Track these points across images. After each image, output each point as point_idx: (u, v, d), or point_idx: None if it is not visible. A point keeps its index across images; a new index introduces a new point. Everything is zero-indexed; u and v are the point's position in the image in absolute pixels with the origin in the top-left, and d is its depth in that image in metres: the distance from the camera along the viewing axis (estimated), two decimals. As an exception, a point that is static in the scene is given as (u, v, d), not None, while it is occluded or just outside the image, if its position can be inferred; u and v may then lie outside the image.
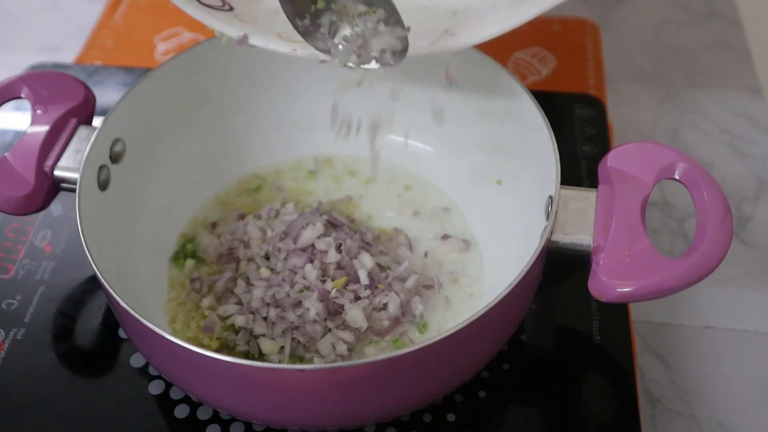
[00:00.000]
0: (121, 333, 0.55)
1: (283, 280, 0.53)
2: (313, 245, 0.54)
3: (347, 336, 0.51)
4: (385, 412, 0.48)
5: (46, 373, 0.53)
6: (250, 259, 0.56)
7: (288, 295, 0.52)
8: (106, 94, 0.69)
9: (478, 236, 0.58)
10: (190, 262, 0.57)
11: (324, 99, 0.63)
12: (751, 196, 0.66)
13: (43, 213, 0.61)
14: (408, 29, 0.49)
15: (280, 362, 0.51)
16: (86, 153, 0.52)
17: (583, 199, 0.49)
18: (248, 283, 0.55)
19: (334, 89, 0.62)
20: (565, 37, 0.77)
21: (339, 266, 0.53)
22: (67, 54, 0.78)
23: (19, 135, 0.59)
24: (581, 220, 0.49)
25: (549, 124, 0.51)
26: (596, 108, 0.67)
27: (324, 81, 0.62)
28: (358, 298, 0.53)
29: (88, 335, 0.55)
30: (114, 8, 0.81)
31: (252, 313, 0.53)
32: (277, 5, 0.54)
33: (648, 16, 0.81)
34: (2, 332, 0.55)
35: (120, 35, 0.79)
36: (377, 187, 0.62)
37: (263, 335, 0.52)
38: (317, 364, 0.49)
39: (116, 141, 0.55)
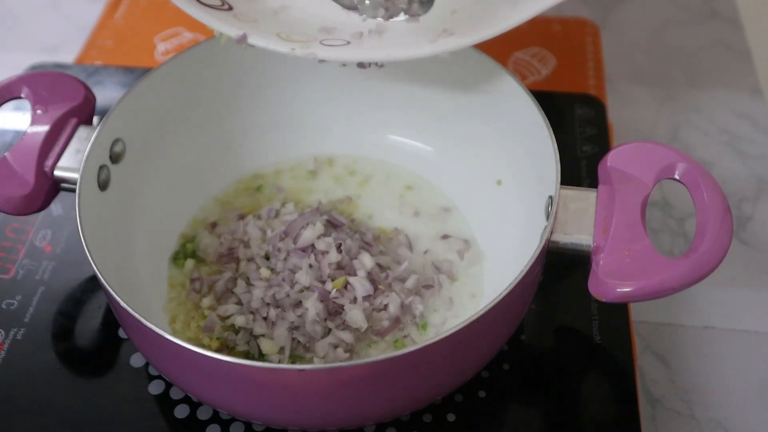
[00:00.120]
0: (121, 333, 0.55)
1: (283, 280, 0.53)
2: (313, 245, 0.54)
3: (347, 336, 0.51)
4: (385, 412, 0.48)
5: (46, 373, 0.53)
6: (250, 259, 0.56)
7: (288, 295, 0.52)
8: (106, 94, 0.69)
9: (478, 236, 0.58)
10: (190, 262, 0.57)
11: (324, 98, 0.63)
12: (751, 196, 0.66)
13: (43, 213, 0.61)
14: None
15: (280, 362, 0.51)
16: (86, 153, 0.52)
17: (583, 199, 0.49)
18: (248, 283, 0.55)
19: (335, 90, 0.63)
20: (565, 37, 0.77)
21: (339, 266, 0.53)
22: (67, 54, 0.78)
23: (19, 135, 0.59)
24: (581, 220, 0.49)
25: (549, 124, 0.51)
26: (596, 108, 0.67)
27: (324, 80, 0.62)
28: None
29: (88, 335, 0.55)
30: (114, 8, 0.81)
31: (252, 313, 0.53)
32: (277, 5, 0.55)
33: (648, 16, 0.81)
34: (2, 332, 0.55)
35: (120, 35, 0.79)
36: (377, 187, 0.62)
37: (263, 335, 0.52)
38: (317, 364, 0.49)
39: (116, 141, 0.55)
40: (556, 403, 0.51)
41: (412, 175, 0.62)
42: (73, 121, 0.55)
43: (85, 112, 0.56)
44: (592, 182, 0.58)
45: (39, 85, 0.57)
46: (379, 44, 0.52)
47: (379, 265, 0.55)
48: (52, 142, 0.54)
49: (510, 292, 0.44)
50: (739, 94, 0.73)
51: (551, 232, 0.48)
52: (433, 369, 0.45)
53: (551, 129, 0.51)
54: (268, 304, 0.53)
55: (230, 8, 0.53)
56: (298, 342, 0.52)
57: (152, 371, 0.53)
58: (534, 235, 0.49)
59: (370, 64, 0.51)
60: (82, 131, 0.55)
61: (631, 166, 0.49)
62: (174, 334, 0.51)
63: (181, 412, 0.51)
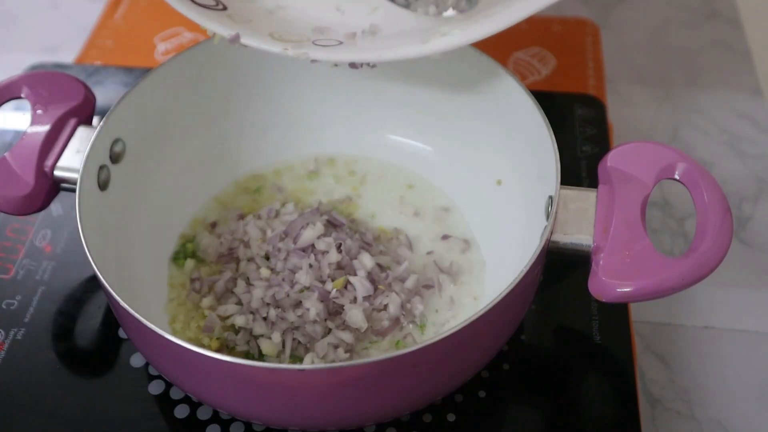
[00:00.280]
0: (121, 333, 0.55)
1: (283, 280, 0.53)
2: (313, 245, 0.54)
3: (347, 336, 0.51)
4: (385, 412, 0.48)
5: (46, 373, 0.53)
6: (250, 259, 0.56)
7: (288, 295, 0.52)
8: (106, 94, 0.69)
9: (478, 236, 0.58)
10: (190, 262, 0.57)
11: (324, 98, 0.63)
12: (751, 196, 0.66)
13: (43, 213, 0.61)
14: None
15: (280, 362, 0.51)
16: (86, 153, 0.52)
17: (583, 199, 0.49)
18: (248, 283, 0.55)
19: (335, 89, 0.63)
20: (565, 37, 0.77)
21: (339, 266, 0.53)
22: (67, 54, 0.78)
23: (19, 135, 0.59)
24: (581, 220, 0.49)
25: (549, 124, 0.51)
26: (596, 108, 0.67)
27: (324, 80, 0.62)
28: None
29: (88, 335, 0.55)
30: (114, 8, 0.81)
31: (252, 313, 0.53)
32: (272, 5, 0.55)
33: (648, 16, 0.81)
34: (2, 332, 0.55)
35: (120, 35, 0.79)
36: (377, 187, 0.62)
37: (263, 335, 0.52)
38: (317, 364, 0.49)
39: (116, 141, 0.55)
40: (556, 403, 0.51)
41: (412, 175, 0.62)
42: (73, 121, 0.55)
43: (85, 112, 0.56)
44: (592, 182, 0.58)
45: (39, 85, 0.57)
46: (372, 45, 0.52)
47: (379, 265, 0.55)
48: (52, 142, 0.54)
49: (510, 292, 0.44)
50: (739, 94, 0.73)
51: (551, 232, 0.48)
52: (433, 369, 0.45)
53: (551, 129, 0.51)
54: (268, 304, 0.53)
55: (224, 8, 0.53)
56: (298, 342, 0.52)
57: (152, 371, 0.53)
58: (534, 235, 0.49)
59: (362, 65, 0.51)
60: (82, 131, 0.55)
61: (631, 166, 0.49)
62: (174, 334, 0.51)
63: (181, 412, 0.51)
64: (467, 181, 0.60)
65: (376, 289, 0.53)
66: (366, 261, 0.54)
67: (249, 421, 0.50)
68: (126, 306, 0.44)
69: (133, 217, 0.57)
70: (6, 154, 0.54)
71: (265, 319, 0.53)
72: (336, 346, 0.51)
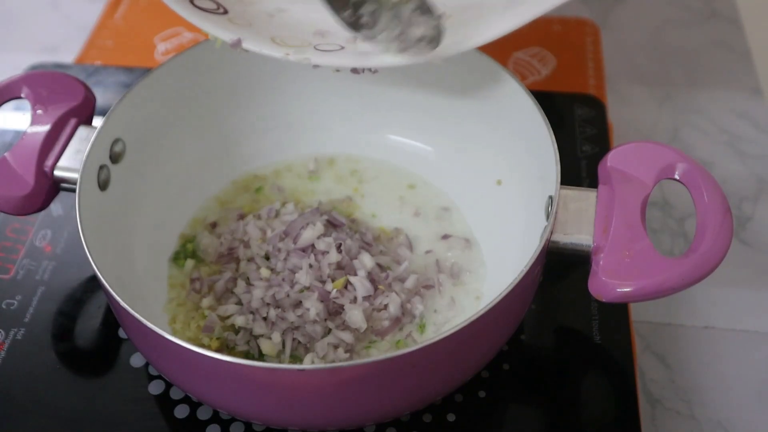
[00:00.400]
0: (121, 333, 0.55)
1: (283, 280, 0.53)
2: (313, 245, 0.54)
3: (347, 336, 0.51)
4: (385, 412, 0.48)
5: (46, 373, 0.53)
6: (250, 259, 0.56)
7: (288, 296, 0.52)
8: (106, 94, 0.69)
9: (478, 236, 0.58)
10: (190, 262, 0.57)
11: (324, 98, 0.63)
12: (751, 196, 0.66)
13: (43, 213, 0.61)
14: (440, 17, 0.49)
15: (280, 362, 0.51)
16: (86, 153, 0.52)
17: (583, 199, 0.49)
18: (248, 283, 0.55)
19: (335, 90, 0.63)
20: (565, 37, 0.77)
21: (339, 266, 0.53)
22: (67, 54, 0.78)
23: (19, 135, 0.59)
24: (581, 220, 0.49)
25: (549, 124, 0.51)
26: (596, 108, 0.67)
27: (324, 81, 0.62)
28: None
29: (88, 335, 0.55)
30: (114, 8, 0.81)
31: (252, 313, 0.53)
32: (272, 8, 0.55)
33: (648, 16, 0.81)
34: (2, 332, 0.55)
35: (120, 35, 0.79)
36: (377, 187, 0.62)
37: (263, 335, 0.52)
38: (317, 364, 0.49)
39: (116, 141, 0.55)
40: (556, 403, 0.51)
41: (413, 175, 0.62)
42: (73, 121, 0.55)
43: (85, 112, 0.56)
44: (592, 182, 0.58)
45: (39, 85, 0.57)
46: (372, 50, 0.52)
47: (379, 265, 0.55)
48: (52, 142, 0.54)
49: (510, 292, 0.44)
50: (739, 94, 0.73)
51: (551, 232, 0.48)
52: (433, 369, 0.45)
53: (551, 129, 0.51)
54: (268, 304, 0.53)
55: (225, 12, 0.53)
56: (298, 342, 0.52)
57: (152, 371, 0.53)
58: (534, 235, 0.49)
59: (363, 70, 0.51)
60: (82, 131, 0.55)
61: (631, 166, 0.49)
62: (174, 334, 0.51)
63: (181, 412, 0.51)
64: (467, 181, 0.60)
65: (376, 289, 0.53)
66: (366, 261, 0.54)
67: (249, 421, 0.50)
68: (126, 306, 0.44)
69: (133, 217, 0.57)
70: (6, 154, 0.54)
71: (265, 319, 0.53)
72: (336, 346, 0.51)
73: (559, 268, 0.56)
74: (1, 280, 0.58)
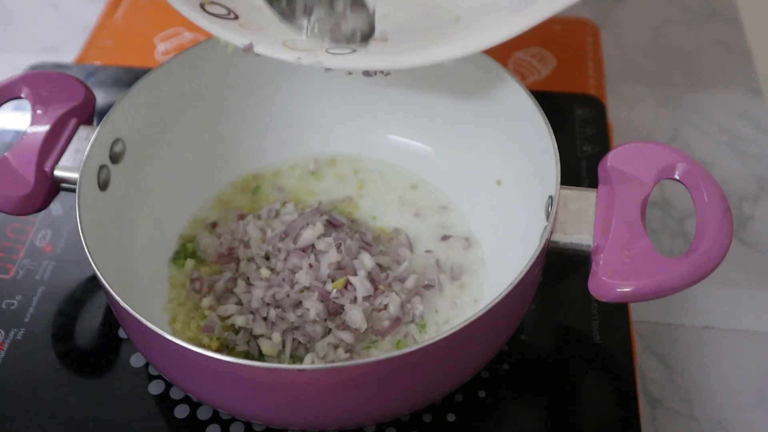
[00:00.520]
0: (121, 333, 0.55)
1: (283, 280, 0.53)
2: (313, 245, 0.54)
3: (347, 336, 0.51)
4: (385, 412, 0.48)
5: (46, 373, 0.53)
6: (250, 259, 0.56)
7: (288, 296, 0.52)
8: (106, 94, 0.69)
9: (478, 236, 0.58)
10: (190, 262, 0.57)
11: (324, 99, 0.63)
12: (751, 196, 0.66)
13: (43, 213, 0.61)
14: (373, 12, 0.49)
15: (280, 362, 0.51)
16: (86, 153, 0.52)
17: (583, 199, 0.49)
18: (248, 283, 0.55)
19: (335, 90, 0.63)
20: (565, 37, 0.77)
21: (339, 266, 0.53)
22: (67, 54, 0.78)
23: (19, 135, 0.59)
24: (581, 220, 0.49)
25: (549, 124, 0.51)
26: (596, 108, 0.67)
27: (324, 81, 0.62)
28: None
29: (88, 335, 0.55)
30: (114, 8, 0.81)
31: (252, 313, 0.53)
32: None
33: (648, 16, 0.81)
34: (2, 332, 0.55)
35: (120, 35, 0.79)
36: (377, 187, 0.62)
37: (263, 335, 0.52)
38: (317, 364, 0.49)
39: (116, 141, 0.55)
40: (556, 403, 0.51)
41: (413, 175, 0.62)
42: (73, 121, 0.55)
43: (85, 112, 0.56)
44: (592, 182, 0.58)
45: (39, 85, 0.57)
46: (384, 52, 0.52)
47: (379, 265, 0.55)
48: (52, 142, 0.54)
49: (510, 292, 0.44)
50: (739, 94, 0.73)
51: (551, 232, 0.48)
52: (433, 369, 0.45)
53: (551, 129, 0.51)
54: (268, 304, 0.53)
55: (236, 17, 0.53)
56: (298, 342, 0.52)
57: (152, 371, 0.53)
58: (534, 235, 0.49)
59: (375, 72, 0.51)
60: (82, 131, 0.55)
61: (631, 166, 0.49)
62: (174, 334, 0.51)
63: (181, 412, 0.51)
64: (467, 181, 0.60)
65: (376, 289, 0.53)
66: (366, 261, 0.54)
67: (249, 421, 0.50)
68: (126, 306, 0.44)
69: (133, 217, 0.57)
70: (6, 154, 0.54)
71: (265, 319, 0.53)
72: (336, 346, 0.51)
73: (559, 268, 0.56)
74: (1, 280, 0.58)
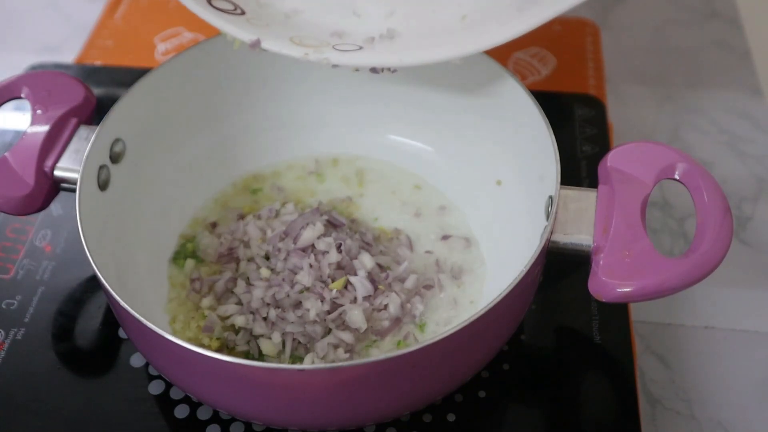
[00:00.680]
0: (121, 333, 0.55)
1: (283, 280, 0.53)
2: (313, 245, 0.54)
3: (347, 337, 0.51)
4: (385, 412, 0.48)
5: (46, 373, 0.53)
6: (250, 259, 0.56)
7: (288, 296, 0.52)
8: (106, 94, 0.69)
9: (478, 236, 0.58)
10: (190, 262, 0.57)
11: (324, 99, 0.63)
12: (751, 196, 0.66)
13: (43, 213, 0.61)
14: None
15: (280, 362, 0.51)
16: (86, 153, 0.52)
17: (583, 199, 0.49)
18: (248, 283, 0.55)
19: (335, 90, 0.63)
20: (565, 37, 0.77)
21: (339, 266, 0.53)
22: (67, 54, 0.78)
23: (19, 135, 0.59)
24: (581, 220, 0.49)
25: (549, 124, 0.51)
26: (596, 108, 0.67)
27: (323, 81, 0.62)
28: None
29: (88, 335, 0.55)
30: (114, 8, 0.81)
31: (252, 313, 0.53)
32: (288, 9, 0.55)
33: (648, 16, 0.81)
34: (2, 332, 0.55)
35: (120, 35, 0.78)
36: (377, 187, 0.62)
37: (263, 335, 0.52)
38: (317, 364, 0.49)
39: (116, 141, 0.55)
40: (556, 403, 0.51)
41: (413, 175, 0.62)
42: (73, 121, 0.55)
43: (85, 112, 0.56)
44: (592, 182, 0.58)
45: (39, 85, 0.57)
46: (391, 49, 0.52)
47: (379, 265, 0.55)
48: (52, 142, 0.54)
49: (510, 292, 0.44)
50: (739, 94, 0.73)
51: (551, 232, 0.48)
52: (433, 369, 0.45)
53: (551, 129, 0.51)
54: (268, 305, 0.53)
55: (243, 13, 0.53)
56: (298, 342, 0.52)
57: (152, 371, 0.53)
58: (534, 235, 0.49)
59: (383, 69, 0.51)
60: (82, 131, 0.55)
61: (631, 166, 0.49)
62: (174, 334, 0.51)
63: (181, 412, 0.51)
64: (467, 181, 0.60)
65: (376, 289, 0.53)
66: (366, 261, 0.54)
67: (249, 421, 0.50)
68: (126, 306, 0.44)
69: (133, 217, 0.57)
70: (6, 154, 0.54)
71: (265, 319, 0.53)
72: (336, 346, 0.51)
73: (559, 268, 0.56)
74: (1, 280, 0.58)
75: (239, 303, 0.54)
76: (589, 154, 0.64)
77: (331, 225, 0.56)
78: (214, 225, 0.59)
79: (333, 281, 0.53)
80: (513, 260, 0.51)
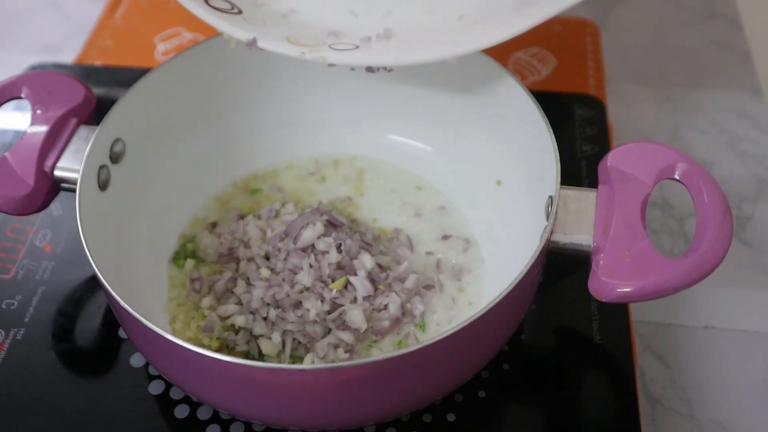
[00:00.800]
0: (121, 333, 0.55)
1: (283, 280, 0.53)
2: (313, 245, 0.54)
3: (347, 337, 0.51)
4: (385, 412, 0.48)
5: (46, 373, 0.53)
6: (250, 259, 0.56)
7: (288, 296, 0.52)
8: (106, 94, 0.69)
9: (478, 236, 0.58)
10: (190, 262, 0.57)
11: (323, 99, 0.63)
12: (751, 196, 0.66)
13: (43, 213, 0.61)
14: None
15: (280, 362, 0.51)
16: (86, 153, 0.52)
17: (583, 199, 0.49)
18: (248, 283, 0.55)
19: (335, 90, 0.63)
20: (565, 37, 0.77)
21: (339, 266, 0.53)
22: (67, 54, 0.78)
23: (19, 135, 0.59)
24: (581, 220, 0.49)
25: (549, 124, 0.51)
26: (596, 108, 0.67)
27: (323, 81, 0.62)
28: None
29: (88, 335, 0.55)
30: (114, 8, 0.81)
31: (252, 313, 0.53)
32: (285, 9, 0.55)
33: (648, 16, 0.81)
34: (2, 332, 0.55)
35: (120, 35, 0.78)
36: (377, 187, 0.62)
37: (263, 335, 0.52)
38: (317, 364, 0.49)
39: (116, 141, 0.55)
40: (556, 403, 0.51)
41: (413, 176, 0.62)
42: (73, 121, 0.55)
43: (85, 112, 0.56)
44: (592, 182, 0.58)
45: (39, 85, 0.57)
46: (387, 49, 0.52)
47: (379, 265, 0.55)
48: (52, 142, 0.54)
49: (510, 292, 0.44)
50: (739, 94, 0.73)
51: (551, 232, 0.48)
52: (433, 369, 0.45)
53: (551, 129, 0.51)
54: (268, 305, 0.53)
55: (240, 12, 0.53)
56: (298, 342, 0.52)
57: (152, 371, 0.53)
58: (534, 235, 0.49)
59: (378, 69, 0.51)
60: (82, 131, 0.55)
61: (631, 166, 0.49)
62: (174, 334, 0.51)
63: (181, 412, 0.51)
64: (467, 181, 0.60)
65: (376, 289, 0.53)
66: (366, 261, 0.54)
67: (249, 421, 0.50)
68: (126, 306, 0.44)
69: (133, 217, 0.57)
70: (6, 154, 0.54)
71: (265, 319, 0.53)
72: (336, 346, 0.51)
73: (559, 268, 0.56)
74: (1, 280, 0.58)
75: (239, 303, 0.54)
76: (589, 154, 0.64)
77: (331, 225, 0.56)
78: (214, 225, 0.59)
79: (333, 281, 0.53)
80: (513, 260, 0.51)
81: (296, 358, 0.52)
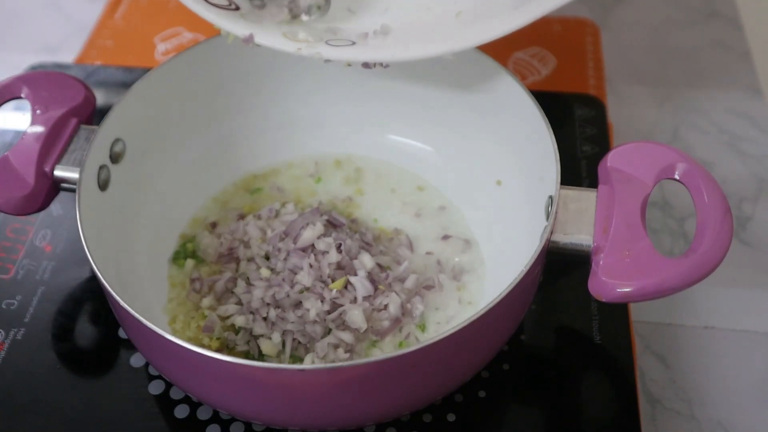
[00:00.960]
0: (121, 333, 0.55)
1: (283, 280, 0.53)
2: (313, 245, 0.54)
3: (347, 337, 0.51)
4: (385, 412, 0.48)
5: (46, 373, 0.53)
6: (250, 259, 0.56)
7: (288, 296, 0.52)
8: (106, 94, 0.69)
9: (478, 236, 0.58)
10: (190, 262, 0.57)
11: (323, 99, 0.63)
12: (751, 196, 0.66)
13: (43, 213, 0.61)
14: None
15: (280, 362, 0.51)
16: (86, 153, 0.52)
17: (583, 199, 0.49)
18: (248, 283, 0.55)
19: (335, 90, 0.63)
20: (565, 37, 0.77)
21: (339, 266, 0.53)
22: (67, 54, 0.78)
23: (19, 135, 0.59)
24: (581, 220, 0.49)
25: (549, 124, 0.51)
26: (596, 108, 0.67)
27: (323, 81, 0.62)
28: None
29: (88, 335, 0.55)
30: (114, 8, 0.81)
31: (252, 313, 0.53)
32: (282, 5, 0.55)
33: (648, 16, 0.81)
34: (2, 332, 0.55)
35: (120, 35, 0.79)
36: (377, 187, 0.62)
37: (263, 335, 0.52)
38: (317, 364, 0.49)
39: (116, 141, 0.55)
40: (556, 403, 0.51)
41: (413, 176, 0.62)
42: (73, 121, 0.55)
43: (85, 112, 0.56)
44: (592, 182, 0.58)
45: (39, 85, 0.57)
46: (384, 45, 0.52)
47: (379, 265, 0.55)
48: (52, 142, 0.54)
49: (510, 292, 0.44)
50: (739, 94, 0.73)
51: (551, 232, 0.48)
52: (433, 369, 0.45)
53: (551, 129, 0.51)
54: (268, 304, 0.53)
55: (237, 8, 0.53)
56: (298, 342, 0.52)
57: (152, 371, 0.53)
58: (534, 235, 0.49)
59: (374, 64, 0.51)
60: (82, 131, 0.55)
61: (631, 166, 0.49)
62: (174, 334, 0.51)
63: (181, 412, 0.51)
64: (467, 181, 0.60)
65: (376, 289, 0.53)
66: (366, 261, 0.54)
67: (249, 421, 0.50)
68: (126, 306, 0.44)
69: (133, 217, 0.57)
70: (6, 153, 0.54)
71: (265, 319, 0.53)
72: (336, 346, 0.51)
73: (559, 268, 0.56)
74: (1, 280, 0.58)
75: (239, 303, 0.54)
76: (589, 154, 0.64)
77: (331, 225, 0.56)
78: (214, 225, 0.59)
79: (333, 281, 0.53)
80: (513, 260, 0.51)
81: (296, 358, 0.52)
